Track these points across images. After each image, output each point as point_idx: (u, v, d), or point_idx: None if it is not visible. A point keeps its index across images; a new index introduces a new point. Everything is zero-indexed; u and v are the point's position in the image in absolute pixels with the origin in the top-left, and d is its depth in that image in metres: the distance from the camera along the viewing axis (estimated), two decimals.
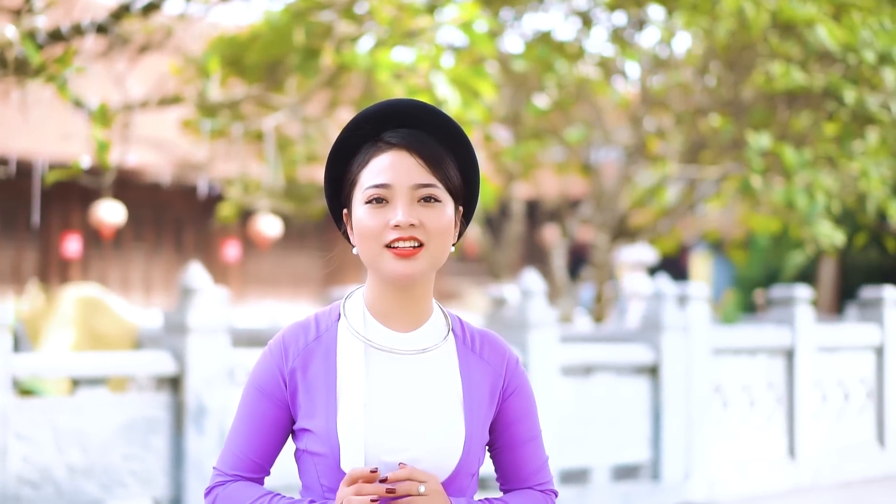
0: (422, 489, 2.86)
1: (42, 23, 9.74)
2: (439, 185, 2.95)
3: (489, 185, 10.74)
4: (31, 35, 9.54)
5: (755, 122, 13.65)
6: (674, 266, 28.77)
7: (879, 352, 13.54)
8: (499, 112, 15.41)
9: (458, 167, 3.02)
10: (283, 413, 3.00)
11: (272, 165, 12.63)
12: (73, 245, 23.84)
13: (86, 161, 9.56)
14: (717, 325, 16.27)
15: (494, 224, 20.90)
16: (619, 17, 14.51)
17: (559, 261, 17.03)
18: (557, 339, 10.71)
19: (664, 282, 11.80)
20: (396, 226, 2.89)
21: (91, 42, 10.22)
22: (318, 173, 16.78)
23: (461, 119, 10.86)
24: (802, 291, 12.88)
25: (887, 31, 12.27)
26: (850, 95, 12.29)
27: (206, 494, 3.03)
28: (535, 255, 27.25)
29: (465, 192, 3.05)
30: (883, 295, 13.70)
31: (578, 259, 24.55)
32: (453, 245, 3.02)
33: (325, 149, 15.64)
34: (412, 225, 2.90)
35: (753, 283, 27.84)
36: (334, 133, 15.93)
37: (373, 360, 2.96)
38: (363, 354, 2.95)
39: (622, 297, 17.83)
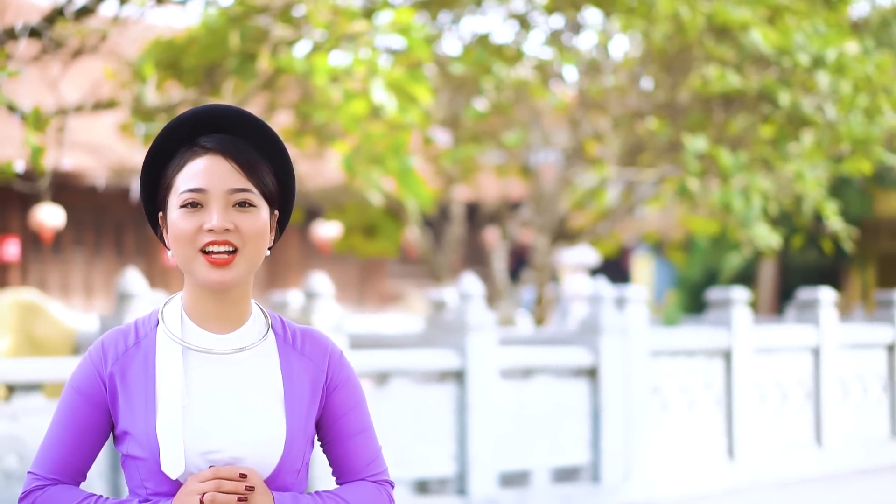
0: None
1: None
2: (254, 190, 2.96)
3: (427, 189, 10.74)
4: None
5: (691, 125, 13.74)
6: (615, 268, 28.89)
7: (816, 352, 13.65)
8: (437, 115, 15.43)
9: (274, 172, 3.03)
10: (103, 416, 2.99)
11: None
12: (11, 249, 23.66)
13: (19, 165, 9.49)
14: (658, 327, 16.36)
15: (435, 227, 20.94)
16: (557, 21, 14.57)
17: (500, 263, 17.07)
18: (496, 341, 10.73)
19: (602, 284, 11.85)
20: (211, 230, 2.90)
21: (24, 46, 10.14)
22: None
23: (398, 123, 10.89)
24: (740, 293, 12.96)
25: (821, 34, 12.38)
26: (784, 98, 12.40)
27: (22, 499, 3.00)
28: (476, 258, 27.28)
29: (280, 198, 3.07)
30: (819, 296, 13.81)
31: (519, 261, 24.62)
32: (269, 248, 3.03)
33: None
34: (227, 230, 2.91)
35: (694, 285, 28.01)
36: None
37: (191, 362, 2.97)
38: (181, 357, 2.96)
39: (563, 299, 17.89)
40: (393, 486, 3.18)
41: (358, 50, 10.46)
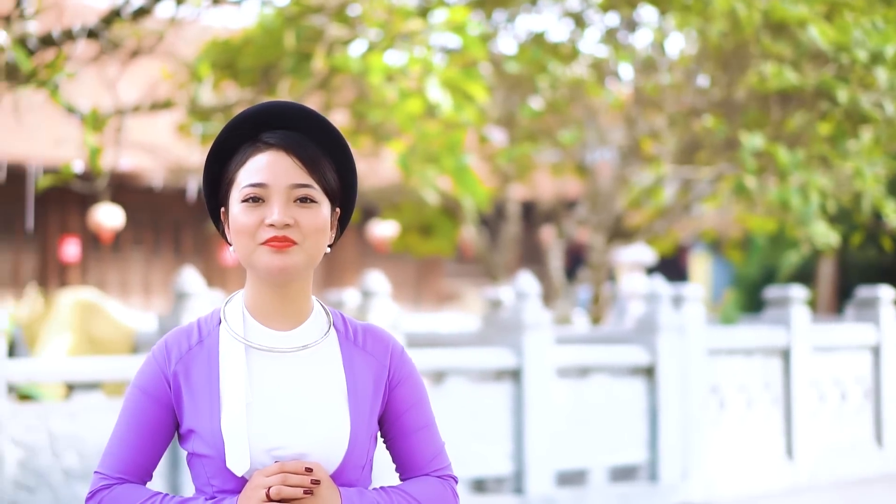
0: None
1: (33, 28, 9.75)
2: (316, 186, 2.98)
3: (482, 187, 10.73)
4: (22, 41, 9.55)
5: (748, 122, 13.65)
6: (673, 266, 28.79)
7: (876, 351, 13.54)
8: (493, 114, 15.43)
9: (336, 169, 3.05)
10: (168, 415, 3.02)
11: None
12: (71, 249, 23.84)
13: (78, 166, 9.57)
14: (715, 326, 16.27)
15: (491, 226, 20.92)
16: (612, 19, 14.53)
17: (556, 262, 17.04)
18: (552, 340, 10.71)
19: (659, 283, 11.80)
20: (272, 224, 2.92)
21: (82, 47, 10.22)
22: None
23: (454, 121, 10.89)
24: (798, 291, 12.87)
25: (879, 30, 12.27)
26: (842, 95, 12.29)
27: (89, 499, 3.02)
28: (532, 257, 27.24)
29: (342, 195, 3.09)
30: (879, 294, 13.70)
31: (576, 260, 24.56)
32: (329, 246, 3.04)
33: None
34: (287, 224, 2.93)
35: (752, 283, 27.83)
36: None
37: (254, 360, 2.99)
38: (244, 356, 2.98)
39: (620, 297, 17.83)
40: (457, 482, 3.18)
41: (413, 49, 10.47)
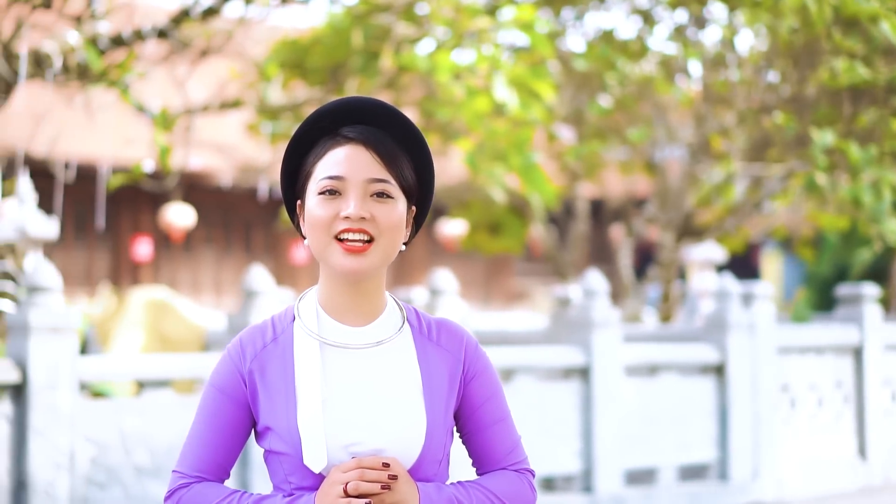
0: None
1: (104, 28, 9.84)
2: (393, 181, 2.97)
3: (551, 185, 10.71)
4: (93, 41, 9.64)
5: (819, 118, 13.53)
6: (744, 264, 28.57)
7: None
8: (561, 112, 15.39)
9: (413, 167, 3.04)
10: (244, 413, 3.02)
11: None
12: (143, 248, 24.05)
13: (148, 165, 9.64)
14: (786, 324, 16.14)
15: (560, 224, 20.87)
16: (681, 15, 14.45)
17: (625, 260, 16.98)
18: (621, 338, 10.67)
19: (729, 280, 11.73)
20: (347, 217, 2.91)
21: (152, 47, 10.30)
22: None
23: (521, 119, 10.87)
24: (870, 289, 12.75)
25: None
26: None
27: (168, 497, 3.02)
28: (601, 255, 27.17)
29: (418, 193, 3.07)
30: None
31: (645, 258, 24.45)
32: (405, 244, 3.03)
33: None
34: (363, 218, 2.92)
35: (824, 281, 27.57)
36: None
37: (329, 356, 2.98)
38: (318, 352, 2.97)
39: (690, 296, 17.74)
40: (534, 475, 3.16)
41: (481, 47, 10.46)
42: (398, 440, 2.94)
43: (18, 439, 7.88)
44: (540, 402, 10.15)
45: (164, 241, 23.40)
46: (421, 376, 3.01)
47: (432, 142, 14.74)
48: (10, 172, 13.18)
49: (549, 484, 10.44)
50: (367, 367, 2.98)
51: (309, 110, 12.90)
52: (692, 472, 11.30)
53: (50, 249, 19.41)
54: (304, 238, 3.02)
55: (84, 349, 11.22)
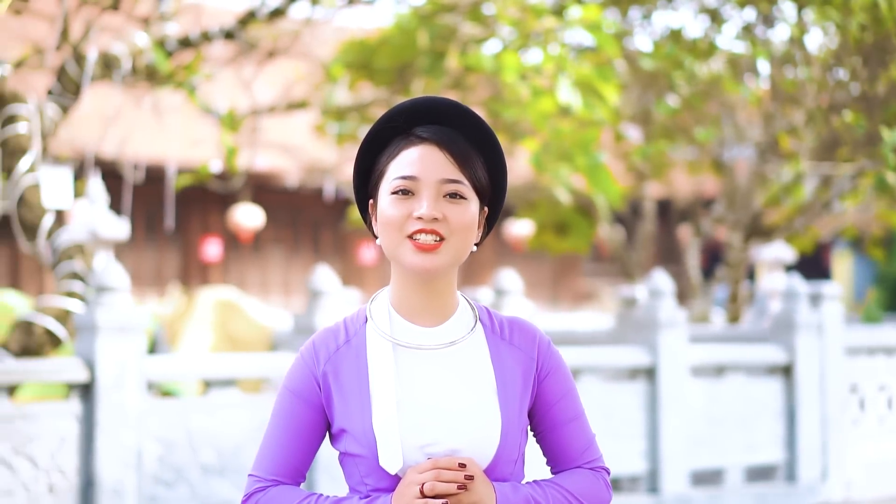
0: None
1: (172, 30, 9.94)
2: (466, 182, 2.97)
3: (616, 185, 10.68)
4: (161, 43, 9.74)
5: (889, 117, 13.39)
6: (814, 265, 28.36)
7: None
8: (627, 111, 15.34)
9: (487, 168, 3.03)
10: (319, 416, 3.03)
11: None
12: (213, 248, 24.21)
13: (215, 165, 9.70)
14: (855, 325, 16.00)
15: (627, 224, 20.80)
16: (750, 14, 14.35)
17: (693, 260, 16.90)
18: (687, 339, 10.61)
19: (797, 281, 11.64)
20: (420, 217, 2.91)
21: (219, 48, 10.38)
22: None
23: (587, 119, 10.85)
24: None
25: None
26: None
27: (245, 501, 3.04)
28: (668, 255, 27.05)
29: (491, 194, 3.06)
30: None
31: (714, 258, 24.31)
32: (476, 244, 3.03)
33: None
34: (435, 219, 2.92)
35: (895, 281, 27.33)
36: None
37: (402, 358, 2.99)
38: (392, 354, 2.98)
39: (759, 296, 17.63)
40: (609, 473, 3.16)
41: (547, 47, 10.45)
42: (473, 440, 2.95)
43: (87, 438, 7.96)
44: (605, 402, 10.12)
45: (232, 241, 23.55)
46: (494, 375, 3.02)
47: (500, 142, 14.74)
48: (80, 174, 13.34)
49: (615, 484, 10.41)
50: (441, 367, 2.99)
51: (376, 111, 12.95)
52: (759, 473, 11.23)
53: (121, 250, 19.59)
54: (376, 237, 3.03)
55: (153, 349, 11.31)
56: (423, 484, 2.87)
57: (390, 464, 2.91)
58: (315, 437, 3.04)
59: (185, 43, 9.93)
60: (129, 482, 8.00)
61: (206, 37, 9.98)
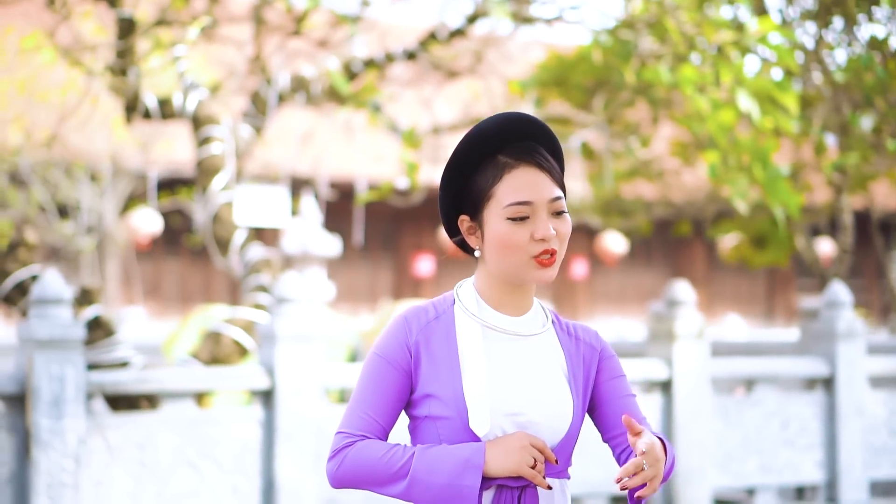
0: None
1: (359, 52, 10.35)
2: (563, 196, 3.25)
3: (795, 197, 10.69)
4: (347, 65, 10.16)
5: None
6: None
7: None
8: (828, 123, 15.19)
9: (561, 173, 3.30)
10: (405, 382, 3.24)
11: (604, 179, 12.87)
12: (424, 264, 24.69)
13: (402, 182, 10.05)
14: None
15: (831, 237, 20.53)
16: None
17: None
18: (865, 349, 10.55)
19: None
20: (542, 239, 3.17)
21: (402, 68, 10.74)
22: (639, 188, 16.94)
23: (766, 130, 10.89)
24: None
25: None
26: None
27: (333, 456, 3.24)
28: (872, 268, 26.48)
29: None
30: None
31: None
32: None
33: (646, 164, 15.81)
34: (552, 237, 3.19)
35: None
36: (659, 146, 16.09)
37: (489, 337, 3.24)
38: (480, 331, 3.23)
39: None
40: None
41: (725, 60, 10.51)
42: (551, 415, 3.20)
43: (268, 442, 8.36)
44: (782, 412, 10.15)
45: (442, 257, 23.93)
46: (566, 364, 3.29)
47: (686, 154, 14.81)
48: (295, 193, 13.87)
49: (791, 493, 10.42)
50: (521, 351, 3.25)
51: (562, 129, 13.14)
52: None
53: (336, 266, 20.18)
54: (473, 250, 3.28)
55: (353, 361, 11.72)
56: (535, 460, 3.12)
57: (479, 426, 3.14)
58: (400, 400, 3.25)
59: (370, 64, 10.33)
60: (309, 485, 8.37)
61: (390, 58, 10.36)
